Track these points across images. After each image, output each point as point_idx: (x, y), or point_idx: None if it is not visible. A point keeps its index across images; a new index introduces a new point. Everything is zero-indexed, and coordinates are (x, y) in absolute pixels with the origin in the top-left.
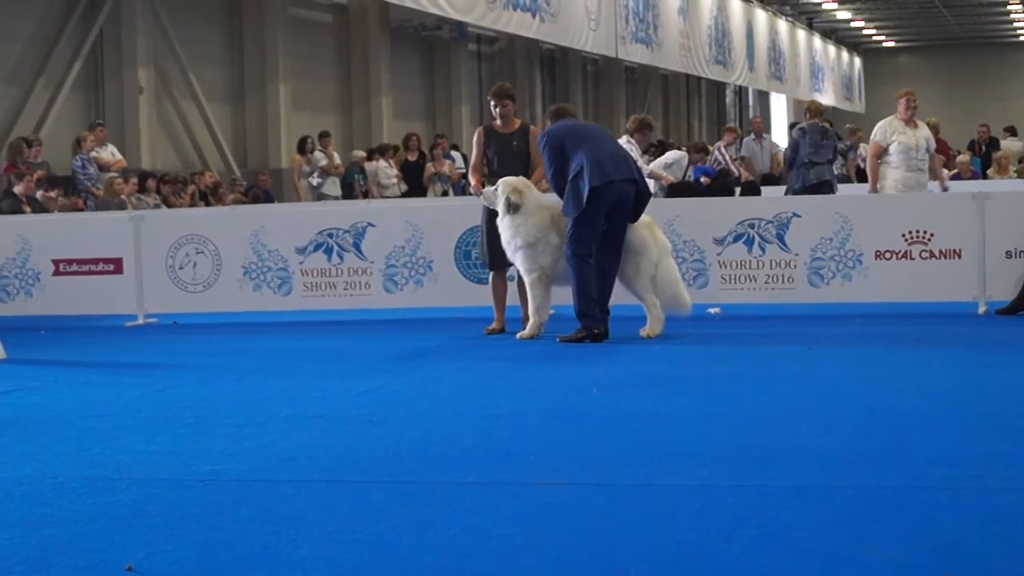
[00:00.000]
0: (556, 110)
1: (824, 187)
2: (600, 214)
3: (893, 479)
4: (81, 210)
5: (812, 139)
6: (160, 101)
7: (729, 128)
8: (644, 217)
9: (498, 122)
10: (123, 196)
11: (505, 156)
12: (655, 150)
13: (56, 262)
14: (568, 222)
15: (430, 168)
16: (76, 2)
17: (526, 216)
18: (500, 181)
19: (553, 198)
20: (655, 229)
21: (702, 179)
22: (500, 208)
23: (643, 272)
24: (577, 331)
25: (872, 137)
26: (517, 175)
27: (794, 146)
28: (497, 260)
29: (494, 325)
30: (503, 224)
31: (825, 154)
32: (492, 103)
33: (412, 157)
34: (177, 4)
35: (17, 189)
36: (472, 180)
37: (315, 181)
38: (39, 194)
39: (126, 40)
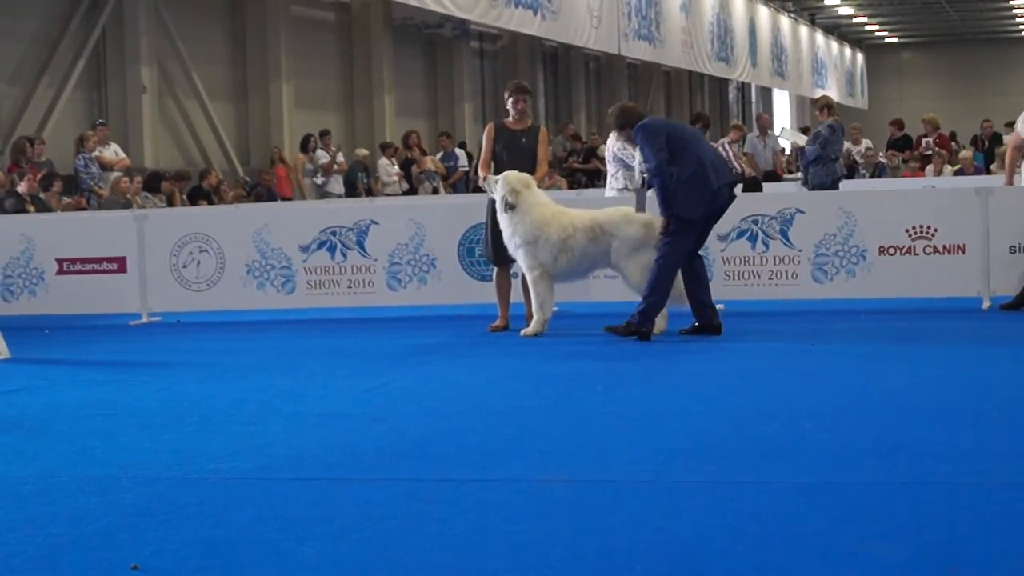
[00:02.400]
0: (627, 109)
1: (840, 182)
2: (705, 218)
3: (898, 475)
4: (84, 209)
5: (838, 135)
6: (163, 100)
7: (736, 126)
8: (643, 215)
9: (510, 119)
10: (128, 195)
11: (514, 152)
12: None
13: (60, 261)
14: (662, 221)
15: (415, 168)
16: (79, 1)
17: (524, 214)
18: (501, 176)
19: (555, 195)
20: (655, 225)
21: None
22: (498, 204)
23: (644, 268)
24: (627, 325)
25: (1017, 127)
26: (524, 171)
27: (824, 142)
28: (501, 257)
29: (498, 322)
30: (503, 221)
31: (842, 149)
32: (511, 98)
33: (412, 155)
34: (179, 3)
35: (20, 188)
36: (483, 170)
37: (319, 180)
38: (42, 194)
39: (129, 39)
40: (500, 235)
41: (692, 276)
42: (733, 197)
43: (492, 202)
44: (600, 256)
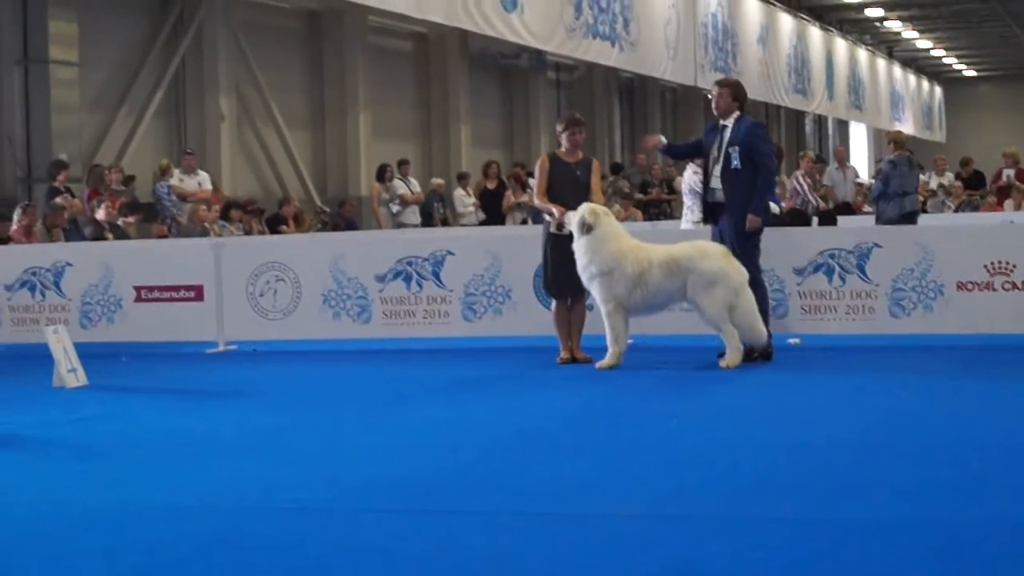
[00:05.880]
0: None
1: (916, 216)
2: None
3: (979, 513)
4: (166, 237)
5: (902, 170)
6: (241, 128)
7: (804, 155)
8: (720, 247)
9: (564, 149)
10: (206, 224)
11: (566, 185)
12: None
13: (138, 289)
14: (737, 239)
15: (511, 198)
16: (159, 30)
17: (602, 242)
18: (581, 207)
19: (629, 227)
20: (732, 259)
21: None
22: (575, 230)
23: (720, 302)
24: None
25: None
26: (578, 204)
27: (885, 178)
28: (560, 289)
29: (564, 354)
30: (579, 248)
31: (914, 183)
32: (567, 131)
33: (491, 185)
34: (258, 32)
35: (99, 215)
36: (544, 202)
37: (395, 208)
38: (120, 221)
39: (208, 68)
40: (558, 268)
41: None
42: None
43: (550, 236)
44: (676, 290)
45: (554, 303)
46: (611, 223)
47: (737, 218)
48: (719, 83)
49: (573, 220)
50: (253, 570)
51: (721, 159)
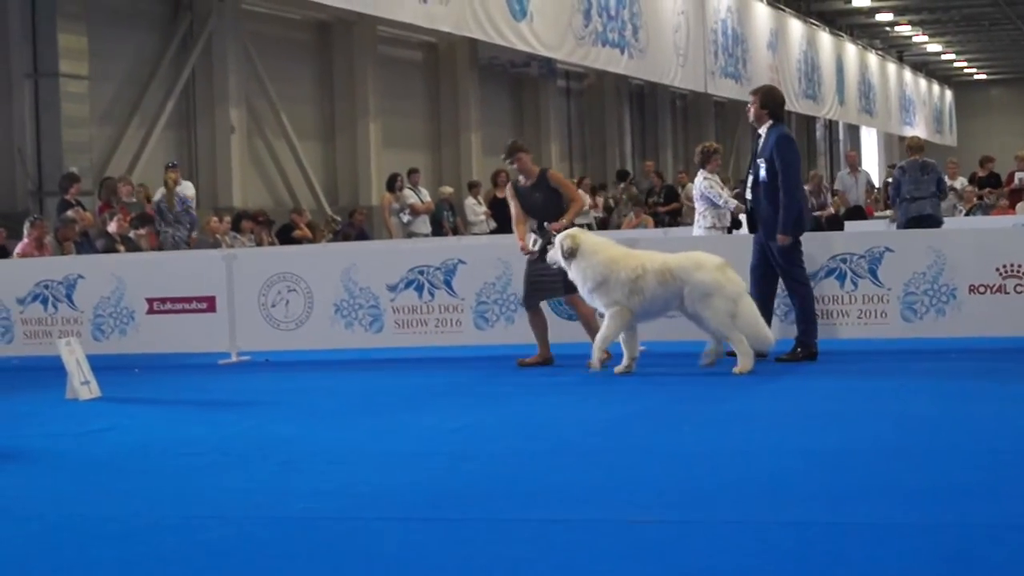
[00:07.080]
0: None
1: (927, 220)
2: None
3: (988, 516)
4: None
5: (912, 175)
6: (252, 139)
7: (814, 174)
8: (716, 258)
9: (521, 178)
10: (218, 235)
11: (532, 209)
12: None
13: (150, 300)
14: (772, 248)
15: None
16: (168, 43)
17: (590, 256)
18: (556, 237)
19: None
20: (727, 270)
21: None
22: (560, 260)
23: (721, 311)
24: (796, 351)
25: None
26: (547, 220)
27: (895, 184)
28: (531, 298)
29: (531, 358)
30: (574, 273)
31: (927, 188)
32: (505, 160)
33: (501, 194)
34: (268, 43)
35: (111, 228)
36: (517, 230)
37: (406, 218)
38: (132, 233)
39: (218, 79)
40: (529, 276)
41: (769, 299)
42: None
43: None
44: (671, 298)
45: (528, 313)
46: (591, 238)
47: (765, 230)
48: (752, 91)
49: (556, 256)
50: None
51: (751, 170)
